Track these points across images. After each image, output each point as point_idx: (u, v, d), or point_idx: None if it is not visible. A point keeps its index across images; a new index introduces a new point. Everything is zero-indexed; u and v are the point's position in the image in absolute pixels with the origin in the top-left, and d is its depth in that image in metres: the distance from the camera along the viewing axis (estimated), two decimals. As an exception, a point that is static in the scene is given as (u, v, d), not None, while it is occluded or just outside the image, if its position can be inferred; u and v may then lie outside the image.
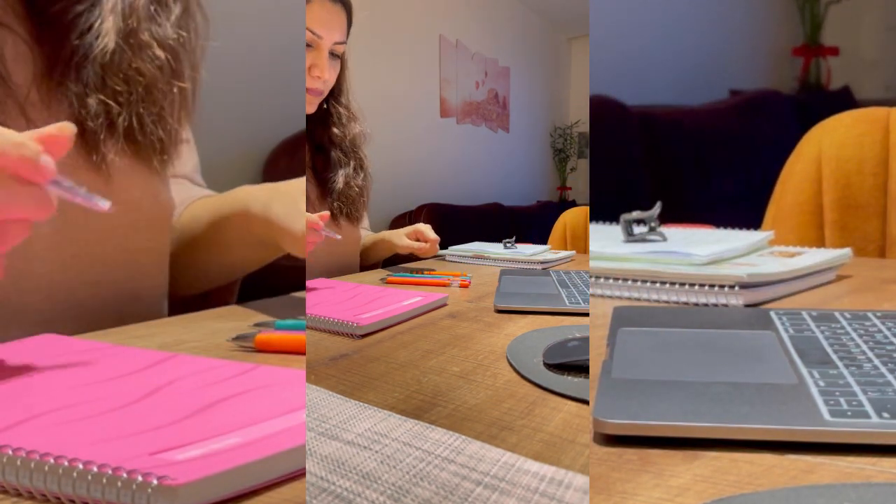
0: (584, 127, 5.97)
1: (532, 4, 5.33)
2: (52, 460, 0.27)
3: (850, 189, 1.10)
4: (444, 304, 0.76)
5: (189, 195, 0.77)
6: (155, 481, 0.26)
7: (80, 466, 0.27)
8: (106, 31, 0.55)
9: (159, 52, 0.58)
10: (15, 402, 0.36)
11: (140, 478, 0.26)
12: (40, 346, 0.46)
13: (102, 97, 0.54)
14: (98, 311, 0.59)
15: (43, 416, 0.33)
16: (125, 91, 0.56)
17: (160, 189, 0.66)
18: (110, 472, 0.27)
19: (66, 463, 0.27)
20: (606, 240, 0.80)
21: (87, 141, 0.54)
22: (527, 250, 1.32)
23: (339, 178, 1.19)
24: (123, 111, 0.55)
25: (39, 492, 0.28)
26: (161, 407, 0.35)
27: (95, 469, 0.27)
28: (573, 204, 5.41)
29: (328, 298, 0.75)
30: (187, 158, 0.78)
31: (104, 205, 0.39)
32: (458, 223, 3.80)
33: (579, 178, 6.15)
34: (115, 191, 0.56)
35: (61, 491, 0.27)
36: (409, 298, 0.73)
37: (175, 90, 0.60)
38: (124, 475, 0.26)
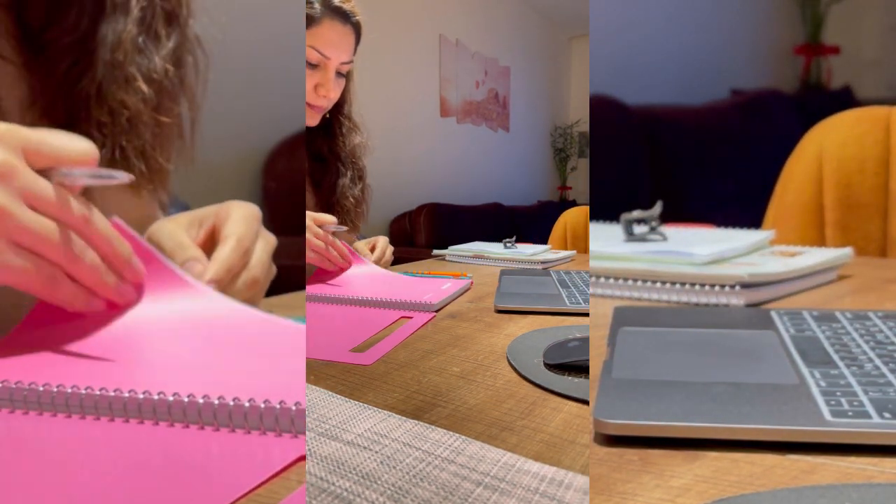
0: (585, 126, 5.97)
1: (532, 4, 5.33)
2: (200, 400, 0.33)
3: (852, 188, 1.10)
4: (469, 288, 0.88)
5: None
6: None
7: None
8: (94, 62, 0.55)
9: (144, 86, 0.57)
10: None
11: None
12: None
13: (86, 127, 0.54)
14: None
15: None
16: (109, 123, 0.55)
17: (152, 212, 0.65)
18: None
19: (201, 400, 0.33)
20: (607, 239, 0.80)
21: None
22: (527, 250, 1.32)
23: (337, 189, 1.21)
24: (107, 142, 0.55)
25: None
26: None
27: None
28: (573, 203, 5.41)
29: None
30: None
31: (122, 177, 0.43)
32: (458, 223, 3.81)
33: (580, 178, 6.15)
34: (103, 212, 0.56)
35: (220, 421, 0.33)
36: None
37: (160, 125, 0.59)
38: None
